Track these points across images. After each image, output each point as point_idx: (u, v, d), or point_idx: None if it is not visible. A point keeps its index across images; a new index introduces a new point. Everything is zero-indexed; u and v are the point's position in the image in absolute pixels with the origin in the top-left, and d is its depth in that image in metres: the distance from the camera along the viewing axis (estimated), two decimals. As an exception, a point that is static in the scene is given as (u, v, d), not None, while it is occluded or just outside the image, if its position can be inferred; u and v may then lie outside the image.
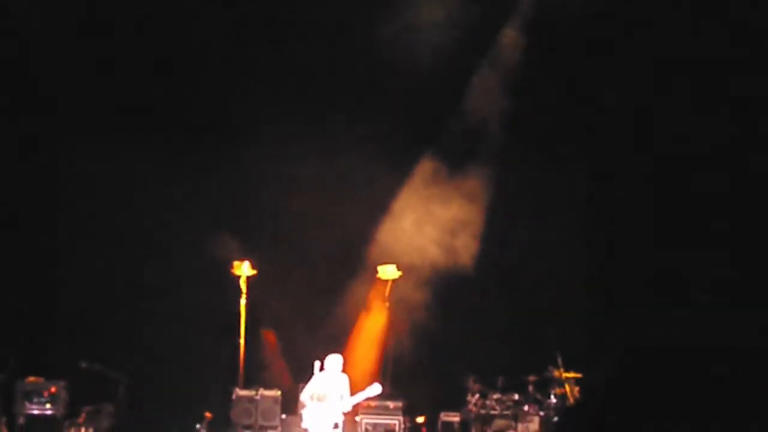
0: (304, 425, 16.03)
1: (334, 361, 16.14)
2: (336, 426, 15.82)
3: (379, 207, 19.72)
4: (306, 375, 16.39)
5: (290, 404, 18.02)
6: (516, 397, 18.00)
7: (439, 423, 18.52)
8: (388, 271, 19.12)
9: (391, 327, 19.31)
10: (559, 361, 17.42)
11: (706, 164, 18.04)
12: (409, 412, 18.42)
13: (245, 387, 18.36)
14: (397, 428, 17.89)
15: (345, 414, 16.13)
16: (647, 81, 18.33)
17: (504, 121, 19.24)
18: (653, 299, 17.83)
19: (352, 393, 16.10)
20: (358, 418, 17.78)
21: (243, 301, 18.92)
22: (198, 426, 19.30)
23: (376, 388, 16.00)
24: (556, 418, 17.44)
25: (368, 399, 17.59)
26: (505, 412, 17.92)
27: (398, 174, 19.71)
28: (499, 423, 17.80)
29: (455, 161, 19.51)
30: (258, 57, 19.10)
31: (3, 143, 19.12)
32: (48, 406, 16.34)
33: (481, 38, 19.25)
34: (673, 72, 18.09)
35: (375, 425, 17.94)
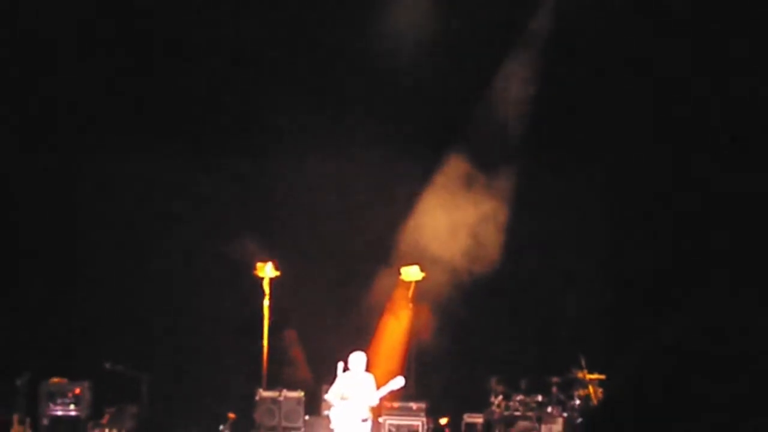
0: (332, 426, 16.02)
1: (357, 358, 16.12)
2: (365, 420, 15.80)
3: (403, 207, 19.71)
4: (329, 376, 16.38)
5: (313, 405, 18.02)
6: (539, 398, 17.95)
7: (463, 424, 18.48)
8: (411, 273, 19.10)
9: (415, 328, 19.29)
10: (583, 362, 17.37)
11: (728, 162, 17.99)
12: (432, 413, 18.40)
13: (268, 388, 18.37)
14: (420, 429, 17.87)
15: (372, 409, 16.12)
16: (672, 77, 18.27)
17: (528, 119, 19.19)
18: (679, 299, 17.75)
19: (377, 388, 16.11)
20: (381, 419, 17.77)
21: (266, 302, 18.93)
22: (221, 427, 19.32)
23: (399, 381, 15.99)
24: (579, 420, 17.39)
25: (392, 401, 17.63)
26: (529, 414, 17.88)
27: (422, 174, 19.70)
28: (522, 424, 17.75)
29: (479, 161, 19.48)
30: (279, 58, 19.10)
31: (25, 143, 19.18)
32: (72, 407, 16.38)
33: (506, 33, 19.18)
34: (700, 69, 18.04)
35: (398, 426, 17.92)
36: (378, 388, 15.96)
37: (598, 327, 18.84)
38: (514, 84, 19.29)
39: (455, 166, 19.47)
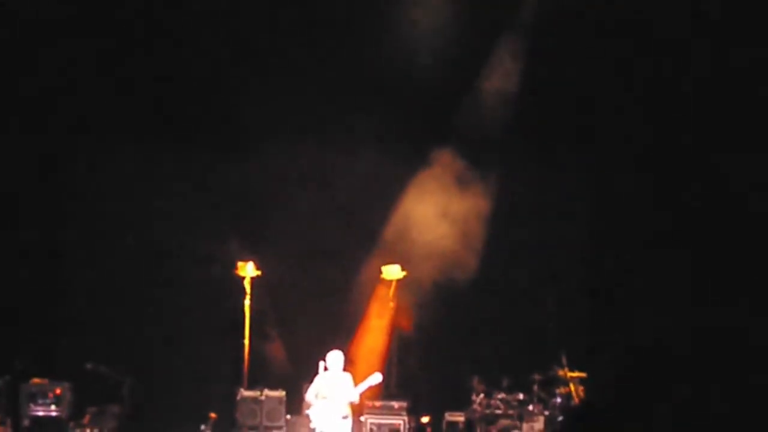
0: (312, 425, 16.04)
1: (335, 357, 16.19)
2: (345, 418, 15.82)
3: (385, 204, 19.71)
4: (310, 375, 16.39)
5: (295, 404, 18.01)
6: (521, 396, 17.98)
7: (444, 423, 18.49)
8: (392, 271, 19.12)
9: (396, 327, 19.30)
10: (564, 360, 17.41)
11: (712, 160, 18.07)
12: (413, 412, 18.41)
13: (250, 388, 18.36)
14: (401, 428, 17.88)
15: (351, 407, 16.13)
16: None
17: (512, 119, 19.19)
18: (658, 299, 17.85)
19: (355, 386, 16.13)
20: (363, 418, 17.77)
21: (247, 301, 18.92)
22: (203, 427, 19.28)
23: (377, 377, 16.04)
24: (560, 418, 17.42)
25: (373, 399, 17.65)
26: (510, 412, 17.91)
27: (403, 174, 19.68)
28: (503, 423, 17.78)
29: (464, 157, 19.47)
30: (262, 53, 19.07)
31: (10, 142, 19.13)
32: (53, 407, 16.34)
33: (494, 28, 19.18)
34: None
35: (380, 425, 17.93)
36: (356, 385, 15.98)
37: (580, 325, 18.89)
38: (501, 77, 19.28)
39: (439, 163, 19.46)
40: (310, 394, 16.06)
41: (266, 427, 17.92)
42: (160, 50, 18.82)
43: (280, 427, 17.97)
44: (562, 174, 19.34)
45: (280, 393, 18.19)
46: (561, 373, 17.47)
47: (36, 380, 16.68)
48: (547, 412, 17.69)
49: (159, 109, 19.24)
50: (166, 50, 18.82)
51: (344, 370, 16.30)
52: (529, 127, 19.10)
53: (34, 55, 18.62)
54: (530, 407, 17.74)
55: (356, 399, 16.15)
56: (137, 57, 18.82)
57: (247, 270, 18.96)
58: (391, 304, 19.23)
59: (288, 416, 18.05)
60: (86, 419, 16.16)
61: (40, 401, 16.35)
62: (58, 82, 18.73)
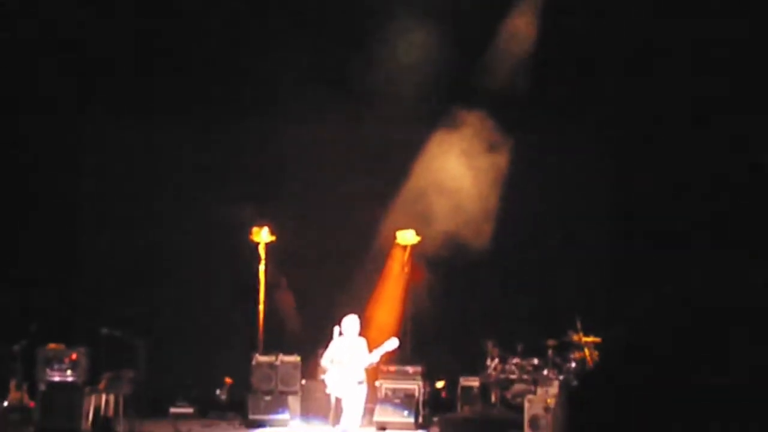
0: (328, 390, 16.05)
1: (350, 322, 16.12)
2: (360, 383, 15.81)
3: (399, 171, 19.65)
4: (325, 340, 16.40)
5: (310, 369, 18.05)
6: (535, 361, 17.98)
7: (459, 388, 18.52)
8: (406, 237, 19.09)
9: (411, 292, 19.29)
10: (579, 325, 17.38)
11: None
12: (428, 377, 18.44)
13: (265, 353, 18.40)
14: (416, 393, 17.89)
15: (367, 372, 16.12)
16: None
17: (529, 82, 19.04)
18: (673, 262, 17.76)
19: (370, 351, 16.11)
20: (378, 383, 17.79)
21: (262, 267, 18.94)
22: (218, 391, 19.41)
23: (393, 342, 15.94)
24: (575, 383, 17.41)
25: (388, 364, 17.66)
26: (525, 377, 17.91)
27: (419, 138, 19.60)
28: (518, 387, 17.79)
29: (480, 126, 19.36)
30: (277, 16, 18.98)
31: (31, 105, 19.14)
32: (68, 372, 16.38)
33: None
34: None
35: (395, 390, 17.94)
36: (371, 350, 15.97)
37: (595, 290, 18.86)
38: (518, 38, 19.13)
39: (457, 126, 19.35)
40: (326, 359, 16.05)
41: (281, 392, 17.96)
42: (177, 12, 18.76)
43: (295, 392, 18.01)
44: (582, 139, 19.22)
45: (296, 358, 18.23)
46: (576, 338, 17.45)
47: (52, 345, 16.72)
48: (561, 377, 17.68)
49: (176, 73, 19.21)
50: (182, 12, 18.76)
51: (360, 335, 16.29)
52: (551, 91, 18.98)
53: (51, 25, 18.61)
54: (545, 372, 17.72)
55: (375, 361, 16.07)
56: (154, 18, 18.76)
57: (262, 236, 18.97)
58: (406, 269, 19.21)
59: (303, 381, 18.09)
60: (102, 384, 16.20)
61: (56, 366, 16.39)
62: (72, 41, 18.71)
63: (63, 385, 16.23)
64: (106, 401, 16.14)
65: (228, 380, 19.47)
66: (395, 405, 17.50)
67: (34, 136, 19.34)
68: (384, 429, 16.70)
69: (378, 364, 16.67)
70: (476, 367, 18.40)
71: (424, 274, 19.40)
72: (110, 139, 19.60)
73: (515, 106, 18.81)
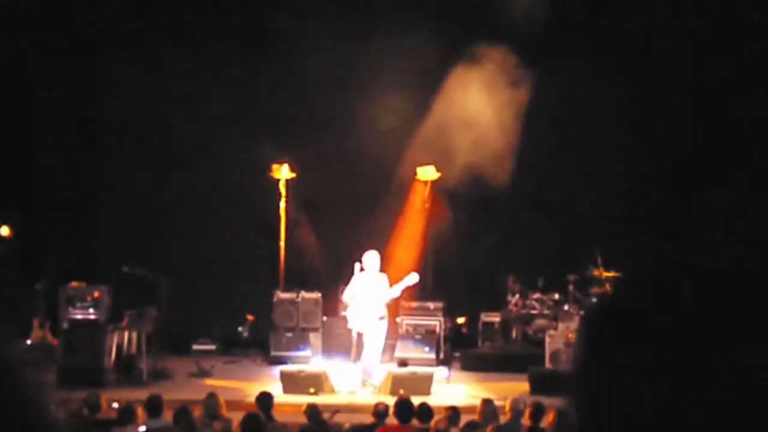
0: (349, 326, 16.03)
1: (371, 258, 15.95)
2: (382, 318, 15.76)
3: (420, 106, 19.56)
4: (346, 276, 16.39)
5: (331, 306, 18.10)
6: (556, 296, 18.00)
7: (480, 323, 18.58)
8: (427, 173, 19.02)
9: (431, 228, 19.27)
10: (599, 260, 17.35)
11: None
12: (449, 313, 18.48)
13: (286, 290, 18.45)
14: (437, 329, 17.93)
15: (388, 307, 16.06)
16: None
17: (552, 21, 18.82)
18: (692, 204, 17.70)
19: (391, 287, 16.05)
20: (399, 319, 17.81)
21: (282, 204, 18.94)
22: (240, 328, 19.50)
23: (414, 277, 15.78)
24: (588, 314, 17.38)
25: (409, 300, 17.68)
26: (545, 312, 17.94)
27: (440, 73, 19.45)
28: (539, 323, 17.82)
29: (498, 62, 19.19)
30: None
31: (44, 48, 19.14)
32: (91, 310, 16.43)
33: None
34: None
35: (416, 326, 17.99)
36: (392, 286, 15.90)
37: (616, 224, 18.80)
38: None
39: (475, 61, 19.18)
40: (347, 295, 16.02)
41: (303, 329, 18.03)
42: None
43: (316, 329, 18.08)
44: (602, 77, 19.02)
45: (317, 295, 18.29)
46: (596, 273, 17.43)
47: (74, 284, 16.77)
48: (582, 312, 17.68)
49: (191, 14, 19.14)
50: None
51: (380, 271, 16.23)
52: (574, 27, 18.81)
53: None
54: (566, 307, 17.73)
55: (396, 296, 15.96)
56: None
57: (282, 172, 18.94)
58: (426, 205, 19.17)
59: (324, 318, 18.15)
60: (124, 322, 16.26)
61: (78, 305, 16.44)
62: None
63: (86, 323, 16.28)
64: (129, 339, 16.20)
65: (250, 317, 19.56)
66: (416, 341, 17.51)
67: (50, 78, 19.35)
68: (405, 365, 16.75)
69: (399, 300, 16.64)
70: (497, 303, 18.42)
71: (444, 209, 19.35)
72: (129, 80, 19.55)
73: (535, 40, 18.61)
